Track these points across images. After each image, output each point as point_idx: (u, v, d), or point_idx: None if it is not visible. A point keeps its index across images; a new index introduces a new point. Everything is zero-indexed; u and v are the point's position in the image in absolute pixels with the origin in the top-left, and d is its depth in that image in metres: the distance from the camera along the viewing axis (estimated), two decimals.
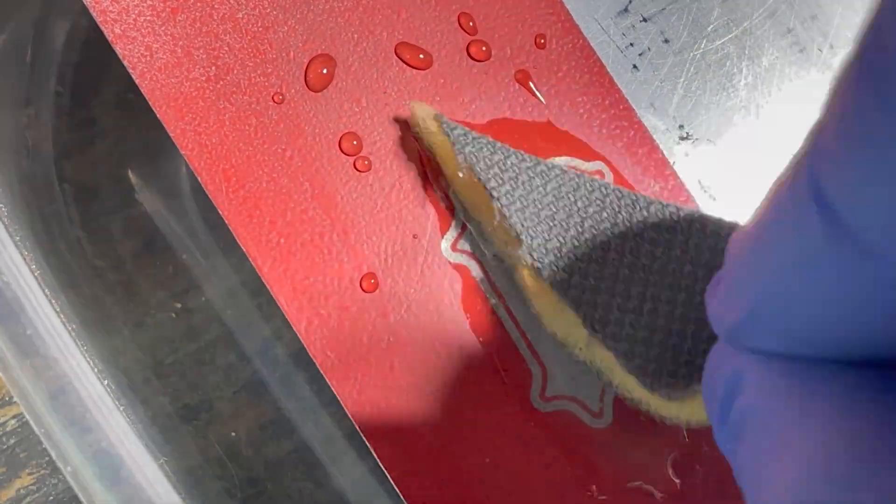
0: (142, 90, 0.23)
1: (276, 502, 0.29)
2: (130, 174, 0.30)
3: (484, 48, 0.25)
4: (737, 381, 0.14)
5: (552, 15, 0.25)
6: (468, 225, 0.24)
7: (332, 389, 0.23)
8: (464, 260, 0.24)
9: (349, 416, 0.23)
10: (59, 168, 0.30)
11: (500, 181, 0.22)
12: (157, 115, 0.23)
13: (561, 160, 0.25)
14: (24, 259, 0.25)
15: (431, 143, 0.23)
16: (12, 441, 0.28)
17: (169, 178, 0.30)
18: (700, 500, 0.24)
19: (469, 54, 0.25)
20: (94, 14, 0.23)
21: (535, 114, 0.25)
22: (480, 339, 0.24)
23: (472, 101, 0.25)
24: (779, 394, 0.13)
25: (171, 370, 0.29)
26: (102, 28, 0.23)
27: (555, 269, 0.22)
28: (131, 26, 0.23)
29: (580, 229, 0.22)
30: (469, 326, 0.24)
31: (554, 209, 0.22)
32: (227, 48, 0.24)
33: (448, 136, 0.23)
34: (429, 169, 0.24)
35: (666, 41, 0.26)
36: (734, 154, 0.26)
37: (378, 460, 0.23)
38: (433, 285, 0.24)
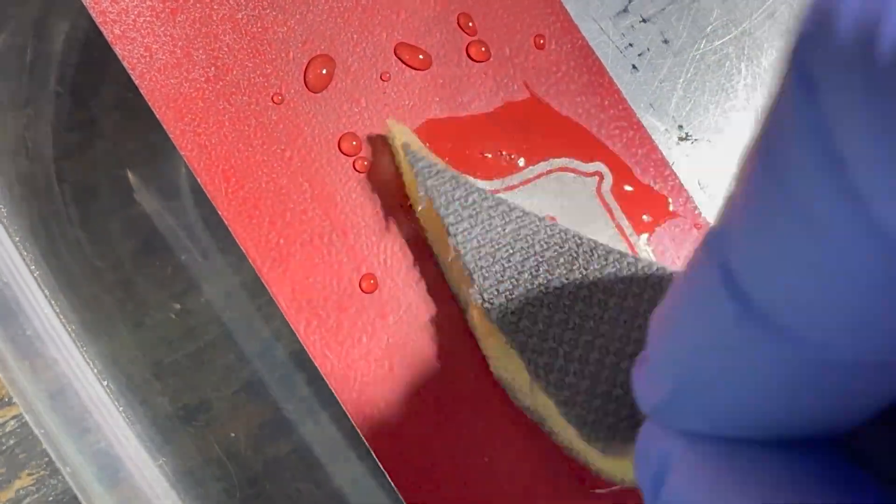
0: (141, 91, 0.23)
1: (276, 503, 0.29)
2: (130, 175, 0.30)
3: (483, 48, 0.25)
4: (665, 461, 0.14)
5: (551, 15, 0.25)
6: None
7: (332, 390, 0.23)
8: None
9: (348, 416, 0.23)
10: (59, 168, 0.30)
11: (459, 218, 0.22)
12: (157, 116, 0.23)
13: (560, 161, 0.25)
14: (24, 259, 0.25)
15: (401, 165, 0.23)
16: (11, 442, 0.28)
17: (168, 178, 0.30)
18: None
19: (468, 55, 0.25)
20: (93, 15, 0.23)
21: (535, 114, 0.25)
22: (480, 340, 0.24)
23: (472, 101, 0.25)
24: (704, 480, 0.13)
25: (170, 370, 0.29)
26: (102, 29, 0.23)
27: (504, 311, 0.21)
28: (131, 27, 0.23)
29: (535, 273, 0.21)
30: (469, 327, 0.24)
31: (510, 250, 0.22)
32: (226, 49, 0.24)
33: (412, 166, 0.22)
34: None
35: (665, 42, 0.26)
36: (733, 154, 0.26)
37: (377, 461, 0.23)
38: (432, 286, 0.24)
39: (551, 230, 0.22)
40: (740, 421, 0.12)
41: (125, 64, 0.23)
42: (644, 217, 0.25)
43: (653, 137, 0.25)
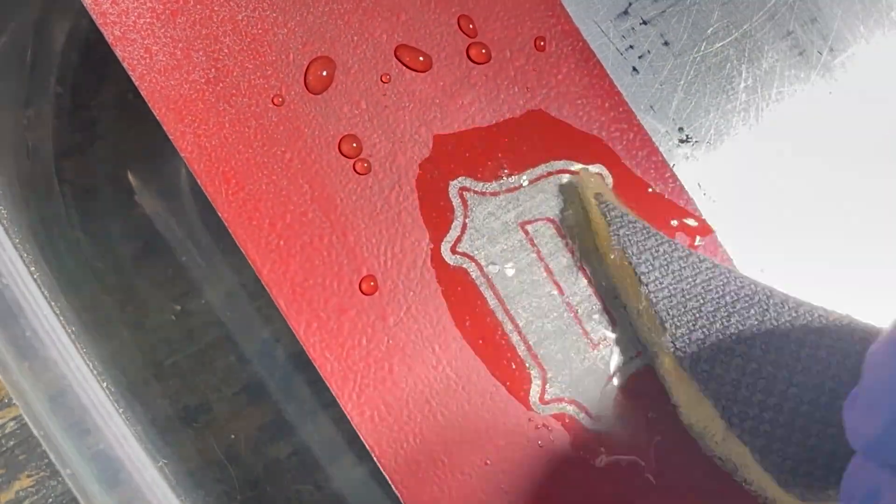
0: (141, 92, 0.23)
1: None
2: (130, 176, 0.30)
3: (484, 50, 0.25)
4: (874, 496, 0.14)
5: (552, 17, 0.25)
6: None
7: (332, 391, 0.23)
8: (464, 262, 0.24)
9: (348, 418, 0.23)
10: (59, 169, 0.30)
11: (651, 267, 0.22)
12: (157, 117, 0.23)
13: (560, 163, 0.25)
14: (24, 261, 0.25)
15: (590, 215, 0.24)
16: (11, 443, 0.28)
17: (168, 179, 0.30)
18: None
19: (469, 56, 0.25)
20: (93, 16, 0.23)
21: (535, 116, 0.25)
22: (480, 341, 0.24)
23: (472, 103, 0.25)
24: None
25: (170, 372, 0.29)
26: (102, 30, 0.23)
27: (697, 359, 0.22)
28: (131, 28, 0.23)
29: (726, 323, 0.22)
30: (469, 329, 0.24)
31: (701, 301, 0.22)
32: (226, 50, 0.24)
33: (605, 216, 0.23)
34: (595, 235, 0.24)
35: (666, 44, 0.26)
36: (734, 156, 0.26)
37: (377, 462, 0.23)
38: (432, 288, 0.24)
39: (741, 282, 0.23)
40: None
41: (125, 65, 0.23)
42: (644, 219, 0.25)
43: (653, 139, 0.25)
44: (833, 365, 0.22)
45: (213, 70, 0.24)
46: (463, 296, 0.24)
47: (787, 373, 0.21)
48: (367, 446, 0.23)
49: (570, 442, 0.24)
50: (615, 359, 0.25)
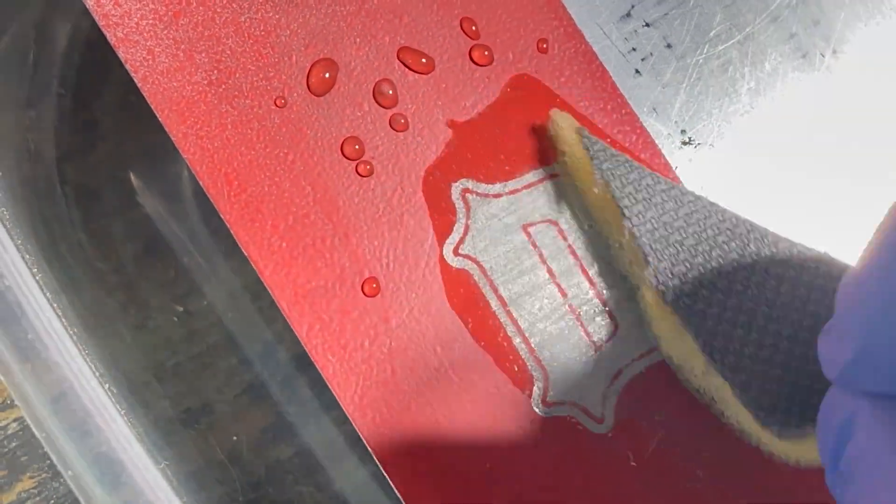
0: (143, 94, 0.23)
1: None
2: (132, 177, 0.30)
3: (486, 52, 0.25)
4: (849, 425, 0.14)
5: (554, 20, 0.25)
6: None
7: (334, 393, 0.23)
8: (466, 264, 0.24)
9: (350, 419, 0.23)
10: (61, 170, 0.30)
11: (634, 201, 0.22)
12: (159, 119, 0.23)
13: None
14: (26, 262, 0.25)
15: (567, 154, 0.23)
16: (13, 444, 0.28)
17: (170, 181, 0.30)
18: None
19: (471, 59, 0.25)
20: (96, 17, 0.23)
21: (538, 118, 0.25)
22: (482, 343, 0.24)
23: (475, 105, 0.25)
24: (890, 439, 0.13)
25: (172, 374, 0.29)
26: (104, 31, 0.23)
27: (679, 293, 0.22)
28: (133, 30, 0.23)
29: (707, 257, 0.22)
30: (471, 331, 0.24)
31: (683, 234, 0.22)
32: (229, 52, 0.24)
33: (588, 150, 0.23)
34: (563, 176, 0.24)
35: (668, 46, 0.26)
36: (736, 159, 0.26)
37: (379, 464, 0.23)
38: (435, 290, 0.24)
39: (723, 215, 0.22)
40: None
41: (127, 67, 0.23)
42: None
43: (656, 142, 0.25)
44: (812, 301, 0.22)
45: (215, 72, 0.24)
46: (465, 298, 0.24)
47: (767, 308, 0.21)
48: (368, 448, 0.23)
49: (573, 444, 0.24)
50: (617, 361, 0.25)
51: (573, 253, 0.25)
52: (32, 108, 0.29)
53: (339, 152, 0.24)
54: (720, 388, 0.22)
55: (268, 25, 0.24)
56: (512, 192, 0.25)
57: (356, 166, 0.24)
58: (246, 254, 0.23)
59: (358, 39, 0.24)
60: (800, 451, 0.21)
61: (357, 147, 0.24)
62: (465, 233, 0.24)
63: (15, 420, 0.28)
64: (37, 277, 0.25)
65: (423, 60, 0.24)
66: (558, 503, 0.24)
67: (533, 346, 0.24)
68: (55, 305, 0.25)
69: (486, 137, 0.25)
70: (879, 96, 0.26)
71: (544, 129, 0.24)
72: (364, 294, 0.24)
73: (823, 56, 0.26)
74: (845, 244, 0.25)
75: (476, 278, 0.24)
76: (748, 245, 0.22)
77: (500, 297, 0.24)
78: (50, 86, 0.30)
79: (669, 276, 0.22)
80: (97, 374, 0.24)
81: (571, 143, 0.23)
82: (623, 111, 0.25)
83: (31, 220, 0.27)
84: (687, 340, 0.22)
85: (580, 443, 0.24)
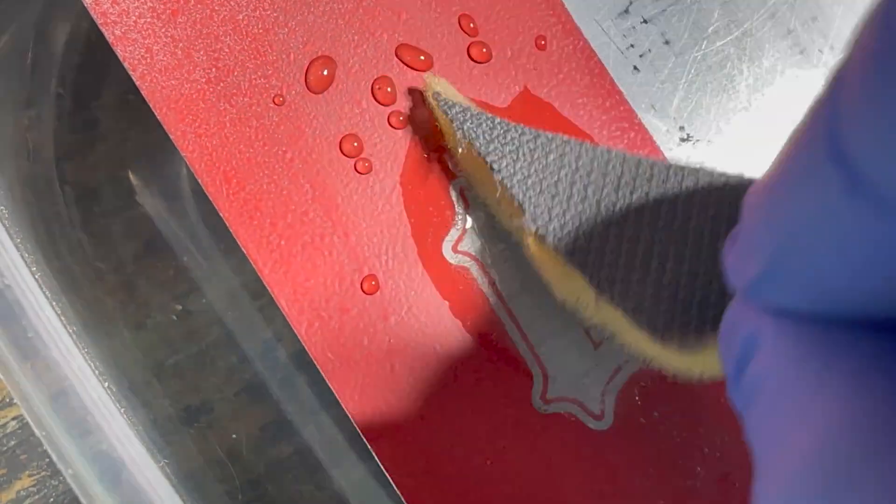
0: (142, 92, 0.23)
1: None
2: (131, 176, 0.30)
3: (484, 50, 0.25)
4: (753, 342, 0.13)
5: (553, 16, 0.25)
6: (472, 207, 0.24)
7: (333, 391, 0.23)
8: (465, 262, 0.24)
9: (350, 418, 0.23)
10: (60, 170, 0.30)
11: (500, 154, 0.22)
12: (158, 117, 0.23)
13: None
14: (25, 261, 0.25)
15: (436, 117, 0.24)
16: (13, 443, 0.28)
17: (170, 179, 0.30)
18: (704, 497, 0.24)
19: (470, 56, 0.25)
20: (94, 16, 0.23)
21: (536, 115, 0.25)
22: (481, 340, 0.24)
23: (473, 102, 0.25)
24: (794, 360, 0.12)
25: (171, 372, 0.29)
26: (103, 30, 0.23)
27: (559, 234, 0.22)
28: (132, 28, 0.23)
29: (583, 195, 0.22)
30: (469, 328, 0.24)
31: (556, 177, 0.22)
32: (227, 50, 0.24)
33: (446, 113, 0.23)
34: (441, 140, 0.24)
35: (667, 43, 0.26)
36: (735, 155, 0.26)
37: (379, 462, 0.23)
38: (434, 287, 0.24)
39: (594, 152, 0.22)
40: (834, 295, 0.12)
41: (126, 65, 0.23)
42: None
43: (654, 138, 0.25)
44: (693, 216, 0.22)
45: (213, 70, 0.24)
46: (464, 295, 0.24)
47: (649, 230, 0.21)
48: (368, 446, 0.23)
49: (572, 441, 0.24)
50: (616, 357, 0.25)
51: None
52: (31, 108, 0.29)
53: (338, 150, 0.24)
54: (615, 319, 0.22)
55: (266, 23, 0.24)
56: None
57: (355, 164, 0.24)
58: (245, 252, 0.23)
59: (356, 37, 0.24)
60: (703, 364, 0.21)
61: (356, 144, 0.24)
62: (464, 230, 0.24)
63: (14, 418, 0.28)
64: (36, 276, 0.25)
65: (422, 58, 0.24)
66: (557, 499, 0.24)
67: (532, 342, 0.24)
68: (54, 304, 0.25)
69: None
70: None
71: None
72: (363, 292, 0.24)
73: (822, 52, 0.26)
74: None
75: (475, 275, 0.24)
76: (622, 176, 0.22)
77: (498, 294, 0.24)
78: (49, 86, 0.30)
79: (547, 218, 0.22)
80: (97, 372, 0.24)
81: (433, 108, 0.23)
82: (621, 108, 0.25)
83: (30, 220, 0.27)
84: (575, 279, 0.22)
85: (579, 439, 0.24)
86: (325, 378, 0.23)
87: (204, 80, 0.24)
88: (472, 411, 0.24)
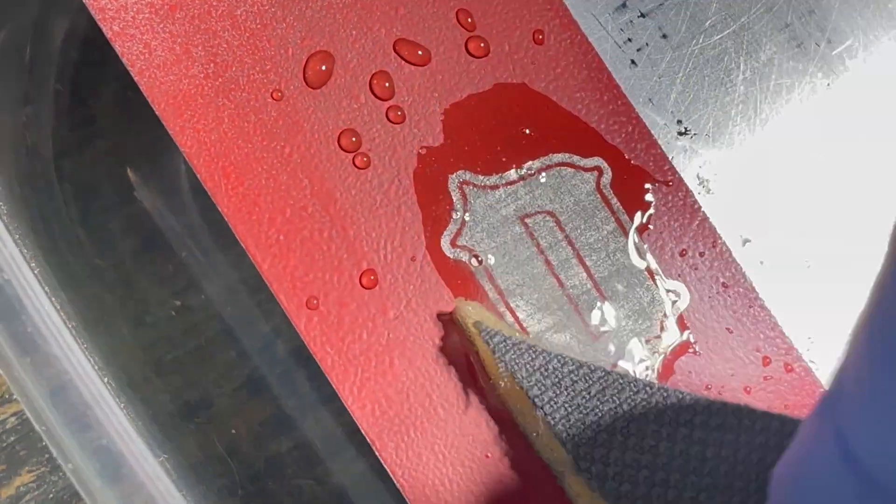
0: (140, 88, 0.23)
1: (277, 499, 0.29)
2: (130, 172, 0.30)
3: (482, 44, 0.25)
4: None
5: (550, 11, 0.25)
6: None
7: (332, 386, 0.23)
8: (463, 256, 0.24)
9: (349, 412, 0.23)
10: (59, 166, 0.30)
11: (543, 388, 0.22)
12: (156, 113, 0.23)
13: (559, 156, 0.25)
14: (24, 257, 0.25)
15: (474, 344, 0.23)
16: (12, 438, 0.28)
17: (168, 175, 0.30)
18: None
19: (467, 50, 0.25)
20: (92, 12, 0.23)
21: (534, 110, 0.25)
22: None
23: (471, 97, 0.25)
24: None
25: (171, 367, 0.29)
26: (101, 26, 0.23)
27: (604, 476, 0.21)
28: (130, 24, 0.23)
29: (626, 434, 0.22)
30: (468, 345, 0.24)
31: (599, 413, 0.22)
32: (225, 45, 0.24)
33: (488, 343, 0.22)
34: (475, 364, 0.24)
35: (664, 37, 0.26)
36: (732, 148, 0.26)
37: (378, 456, 0.23)
38: (432, 281, 0.24)
39: (635, 386, 0.22)
40: None
41: (124, 61, 0.23)
42: (643, 212, 0.25)
43: (652, 132, 0.25)
44: (739, 462, 0.21)
45: (212, 65, 0.24)
46: (463, 289, 0.24)
47: (696, 477, 0.21)
48: (368, 440, 0.23)
49: None
50: (616, 350, 0.25)
51: (570, 243, 0.25)
52: (30, 105, 0.29)
53: (336, 144, 0.24)
54: None
55: (264, 18, 0.24)
56: (509, 184, 0.25)
57: (353, 158, 0.24)
58: (244, 247, 0.23)
59: (354, 32, 0.24)
60: None
61: (354, 139, 0.24)
62: (463, 224, 0.24)
63: (13, 414, 0.28)
64: (35, 272, 0.25)
65: (420, 52, 0.25)
66: (558, 491, 0.24)
67: (531, 336, 0.24)
68: (54, 300, 0.25)
69: (483, 129, 0.25)
70: (874, 84, 0.26)
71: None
72: (362, 286, 0.24)
73: (818, 46, 0.26)
74: (844, 231, 0.26)
75: (473, 269, 0.24)
76: (665, 411, 0.22)
77: (497, 288, 0.24)
78: (47, 82, 0.30)
79: (591, 460, 0.21)
80: (96, 367, 0.24)
81: (473, 336, 0.23)
82: (619, 102, 0.25)
83: (29, 216, 0.27)
84: None
85: None
86: (325, 373, 0.23)
87: (202, 75, 0.24)
88: (471, 405, 0.24)
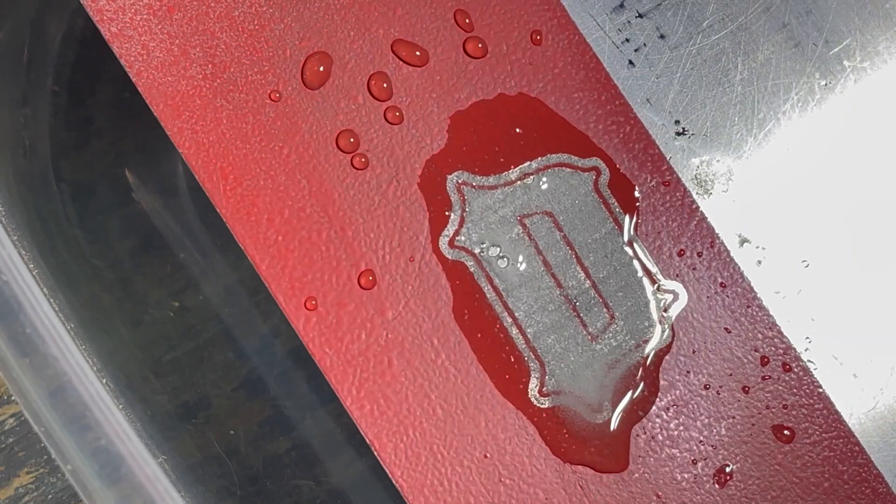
0: (138, 89, 0.23)
1: (276, 500, 0.29)
2: (128, 173, 0.30)
3: (480, 45, 0.25)
4: None
5: (548, 11, 0.25)
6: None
7: (331, 386, 0.23)
8: (461, 256, 0.24)
9: (348, 412, 0.23)
10: (57, 167, 0.30)
11: None
12: (154, 114, 0.23)
13: (556, 156, 0.25)
14: (22, 258, 0.25)
15: None
16: (11, 440, 0.28)
17: (166, 176, 0.30)
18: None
19: (465, 51, 0.25)
20: (90, 13, 0.23)
21: (532, 111, 0.25)
22: (478, 335, 0.24)
23: (469, 97, 0.25)
24: None
25: (169, 368, 0.29)
26: (99, 27, 0.23)
27: None
28: (127, 25, 0.23)
29: None
30: (467, 323, 0.24)
31: None
32: (223, 46, 0.24)
33: None
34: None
35: (662, 37, 0.26)
36: (730, 149, 0.26)
37: (377, 456, 0.23)
38: (431, 282, 0.24)
39: None
40: None
41: (122, 62, 0.23)
42: (641, 212, 0.25)
43: (650, 132, 0.25)
44: None
45: (210, 66, 0.24)
46: (461, 290, 0.24)
47: None
48: (366, 440, 0.23)
49: (570, 434, 0.24)
50: (614, 350, 0.25)
51: (568, 244, 0.25)
52: (27, 106, 0.29)
53: (335, 145, 0.24)
54: None
55: (262, 19, 0.24)
56: (507, 184, 0.25)
57: (351, 159, 0.24)
58: (242, 248, 0.23)
59: (352, 32, 0.24)
60: None
61: (352, 140, 0.24)
62: (461, 225, 0.24)
63: (12, 416, 0.28)
64: (34, 273, 0.25)
65: (418, 53, 0.25)
66: (555, 491, 0.24)
67: (529, 336, 0.24)
68: (52, 301, 0.25)
69: (481, 129, 0.25)
70: (871, 84, 0.26)
71: None
72: (360, 286, 0.24)
73: (816, 46, 0.26)
74: (841, 231, 0.26)
75: (472, 270, 0.24)
76: None
77: (495, 289, 0.24)
78: (45, 83, 0.30)
79: None
80: (94, 368, 0.24)
81: None
82: (617, 102, 0.25)
83: (27, 217, 0.27)
84: None
85: (576, 432, 0.24)
86: (323, 373, 0.23)
87: (200, 76, 0.24)
88: (469, 405, 0.24)
